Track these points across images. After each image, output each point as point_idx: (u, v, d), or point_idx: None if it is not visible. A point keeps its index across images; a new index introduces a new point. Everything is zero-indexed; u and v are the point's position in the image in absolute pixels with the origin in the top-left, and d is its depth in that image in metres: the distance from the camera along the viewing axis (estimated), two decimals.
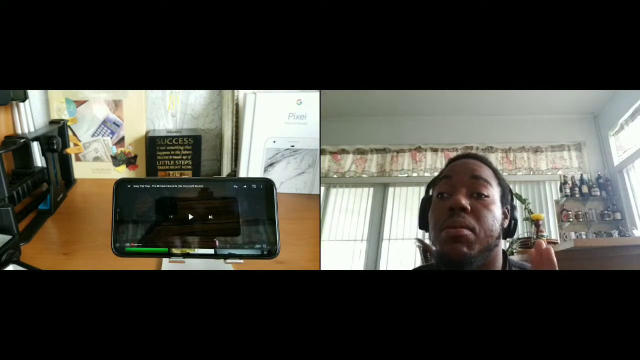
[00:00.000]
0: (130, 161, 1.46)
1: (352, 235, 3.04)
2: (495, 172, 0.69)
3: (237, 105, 1.34)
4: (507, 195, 0.70)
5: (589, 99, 2.89)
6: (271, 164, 1.34)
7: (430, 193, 0.71)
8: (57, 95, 1.38)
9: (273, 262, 0.83)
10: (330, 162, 3.25)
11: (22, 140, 1.11)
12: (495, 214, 0.65)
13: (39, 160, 1.23)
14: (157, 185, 0.84)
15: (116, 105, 1.41)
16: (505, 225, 0.69)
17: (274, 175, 1.33)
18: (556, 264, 0.64)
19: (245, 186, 0.84)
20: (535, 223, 2.06)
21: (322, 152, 2.15)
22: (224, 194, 0.84)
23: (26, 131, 1.26)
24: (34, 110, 1.36)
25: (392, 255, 2.93)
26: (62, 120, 1.34)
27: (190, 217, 0.83)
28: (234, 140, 1.38)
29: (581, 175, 2.91)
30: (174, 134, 1.39)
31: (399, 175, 3.19)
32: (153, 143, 1.38)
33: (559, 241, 2.21)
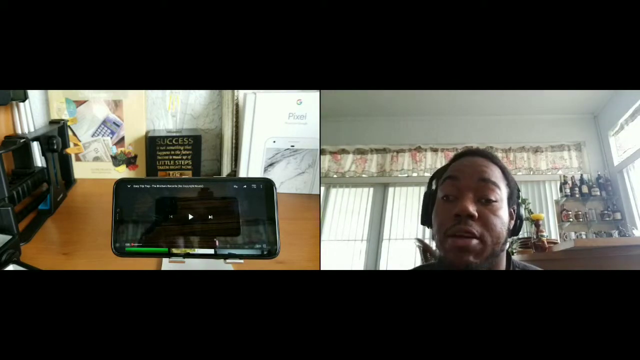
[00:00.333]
0: (130, 161, 1.46)
1: (352, 235, 3.04)
2: (503, 170, 0.66)
3: (237, 105, 1.34)
4: (515, 195, 0.67)
5: (589, 99, 2.88)
6: (271, 164, 1.34)
7: (433, 187, 0.68)
8: (57, 95, 1.38)
9: (273, 262, 0.83)
10: (330, 162, 3.24)
11: (22, 140, 1.11)
12: (504, 219, 0.63)
13: (39, 160, 1.23)
14: (157, 185, 0.84)
15: (116, 105, 1.41)
16: (511, 226, 0.66)
17: (274, 175, 1.33)
18: None
19: (245, 186, 0.84)
20: (535, 223, 2.06)
21: (322, 152, 2.15)
22: (224, 194, 0.84)
23: (26, 131, 1.26)
24: (34, 110, 1.37)
25: (392, 255, 2.93)
26: (62, 120, 1.35)
27: (190, 217, 0.83)
28: (234, 140, 1.37)
29: (581, 175, 2.90)
30: (174, 134, 1.39)
31: (399, 175, 3.18)
32: (153, 143, 1.38)
33: (559, 241, 2.21)
